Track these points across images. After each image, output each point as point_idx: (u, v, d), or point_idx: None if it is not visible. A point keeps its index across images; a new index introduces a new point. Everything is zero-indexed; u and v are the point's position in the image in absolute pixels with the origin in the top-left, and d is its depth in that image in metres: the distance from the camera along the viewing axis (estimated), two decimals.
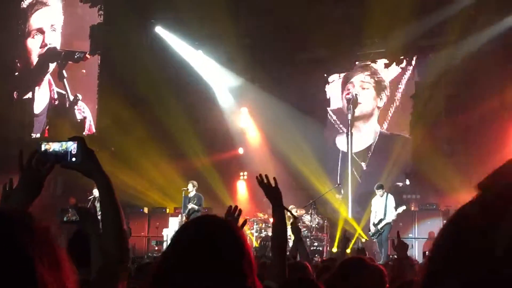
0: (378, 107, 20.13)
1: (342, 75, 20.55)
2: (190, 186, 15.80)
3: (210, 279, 1.85)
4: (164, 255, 2.05)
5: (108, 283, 2.25)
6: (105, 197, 2.41)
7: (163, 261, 1.99)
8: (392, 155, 18.79)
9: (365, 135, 20.29)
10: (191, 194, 15.77)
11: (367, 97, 20.25)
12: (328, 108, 20.81)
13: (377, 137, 20.08)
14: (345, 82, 20.57)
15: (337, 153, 20.56)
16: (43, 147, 2.50)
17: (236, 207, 3.51)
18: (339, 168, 20.35)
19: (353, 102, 19.91)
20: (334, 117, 20.79)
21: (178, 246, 2.00)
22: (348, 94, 20.20)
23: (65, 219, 3.43)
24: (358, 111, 20.06)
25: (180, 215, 15.94)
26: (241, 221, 4.16)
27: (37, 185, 2.62)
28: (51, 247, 1.21)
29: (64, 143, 2.47)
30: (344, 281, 3.13)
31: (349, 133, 19.76)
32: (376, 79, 20.12)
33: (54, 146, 2.48)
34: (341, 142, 20.61)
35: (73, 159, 2.43)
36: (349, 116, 19.78)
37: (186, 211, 15.47)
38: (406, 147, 18.98)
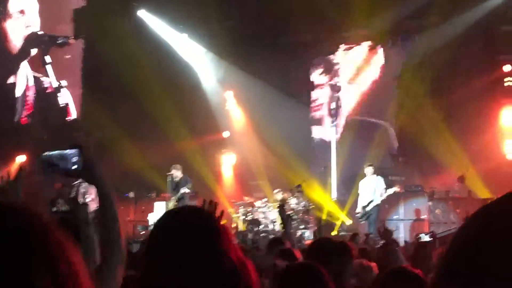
0: (362, 92, 20.15)
1: (326, 57, 20.53)
2: (174, 171, 15.62)
3: (188, 277, 1.83)
4: (144, 250, 2.06)
5: (107, 280, 2.31)
6: (106, 205, 2.46)
7: (145, 257, 1.99)
8: (376, 138, 18.89)
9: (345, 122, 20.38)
10: (178, 178, 15.60)
11: (351, 83, 20.27)
12: (312, 92, 20.81)
13: (357, 124, 20.14)
14: (329, 67, 20.54)
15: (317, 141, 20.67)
16: (46, 158, 2.51)
17: (211, 201, 3.47)
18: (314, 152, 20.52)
19: (336, 88, 19.92)
20: (316, 100, 20.83)
21: (154, 243, 2.00)
22: (331, 80, 20.17)
23: (54, 209, 3.48)
24: (341, 98, 20.11)
25: (168, 200, 15.75)
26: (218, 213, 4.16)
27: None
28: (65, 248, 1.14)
29: (65, 151, 2.48)
30: (315, 260, 3.19)
31: (334, 119, 19.82)
32: (359, 62, 20.12)
33: (55, 155, 2.49)
34: (317, 130, 20.71)
35: (75, 166, 2.44)
36: (333, 105, 19.81)
37: (178, 195, 15.29)
38: (389, 132, 19.09)
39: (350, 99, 20.21)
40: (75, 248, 1.17)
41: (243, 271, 1.90)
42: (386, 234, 5.43)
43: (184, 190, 15.24)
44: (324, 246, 3.51)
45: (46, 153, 2.53)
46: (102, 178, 2.49)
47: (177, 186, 15.49)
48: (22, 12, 22.20)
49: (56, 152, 2.50)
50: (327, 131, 20.37)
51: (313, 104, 20.82)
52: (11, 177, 3.23)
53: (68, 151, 2.47)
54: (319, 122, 20.79)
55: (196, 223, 1.97)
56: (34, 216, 1.15)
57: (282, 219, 6.48)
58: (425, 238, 10.69)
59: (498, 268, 0.99)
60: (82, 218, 3.15)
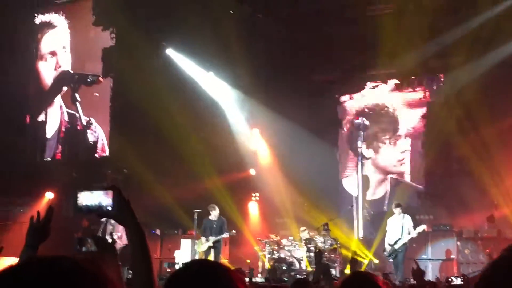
0: (387, 134, 19.99)
1: (354, 95, 20.54)
2: (213, 211, 15.85)
3: None
4: None
5: None
6: (137, 247, 2.45)
7: None
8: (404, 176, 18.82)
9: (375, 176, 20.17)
10: (215, 218, 15.81)
11: (377, 123, 20.15)
12: (340, 129, 20.81)
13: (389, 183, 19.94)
14: (355, 105, 20.51)
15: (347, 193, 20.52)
16: (80, 198, 2.54)
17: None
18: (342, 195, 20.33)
19: (362, 127, 19.84)
20: (343, 138, 20.77)
21: None
22: (357, 118, 20.08)
23: (84, 249, 3.55)
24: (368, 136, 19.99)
25: (203, 240, 15.79)
26: None
27: (44, 232, 3.28)
28: None
29: (100, 192, 2.51)
30: None
31: (359, 158, 19.73)
32: (386, 100, 20.05)
33: (90, 197, 2.52)
34: (347, 182, 20.55)
35: (109, 208, 2.48)
36: (359, 143, 19.73)
37: (218, 237, 15.47)
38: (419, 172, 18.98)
39: (377, 137, 20.13)
40: None
41: None
42: (418, 275, 5.32)
43: (226, 234, 15.49)
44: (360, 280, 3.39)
45: (81, 197, 2.54)
46: (134, 221, 2.50)
47: (212, 226, 15.65)
48: (53, 53, 22.69)
49: (89, 192, 2.53)
50: (353, 170, 20.26)
51: (340, 142, 20.78)
52: (42, 217, 3.29)
53: (102, 192, 2.50)
54: (345, 161, 20.71)
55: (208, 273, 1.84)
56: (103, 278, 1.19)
57: (317, 267, 6.55)
58: (457, 281, 10.50)
59: None
60: (108, 259, 3.14)
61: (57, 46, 22.77)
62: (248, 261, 18.13)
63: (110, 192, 2.49)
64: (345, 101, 20.78)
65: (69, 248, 13.26)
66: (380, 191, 19.83)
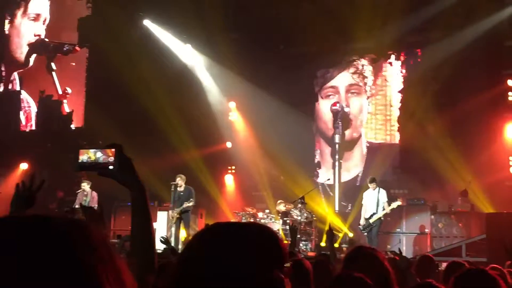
0: (369, 113, 20.02)
1: (330, 69, 20.48)
2: (180, 181, 15.52)
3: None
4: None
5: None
6: (139, 208, 2.38)
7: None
8: (381, 151, 18.95)
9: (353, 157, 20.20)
10: (181, 188, 15.54)
11: (356, 104, 20.15)
12: (316, 103, 20.82)
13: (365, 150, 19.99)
14: (332, 78, 20.47)
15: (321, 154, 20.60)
16: (81, 156, 2.44)
17: None
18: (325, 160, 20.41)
19: (341, 115, 19.82)
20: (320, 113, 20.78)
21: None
22: (335, 105, 20.04)
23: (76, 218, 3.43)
24: (346, 123, 19.98)
25: (170, 210, 15.65)
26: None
27: (31, 199, 3.26)
28: (114, 261, 1.12)
29: (101, 151, 2.42)
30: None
31: (339, 131, 19.76)
32: (363, 78, 20.06)
33: (91, 155, 2.42)
34: (321, 144, 20.61)
35: (110, 167, 2.39)
36: (338, 131, 19.70)
37: (181, 208, 15.16)
38: (394, 147, 19.12)
39: (354, 112, 20.18)
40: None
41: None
42: (404, 261, 5.28)
43: (188, 204, 15.17)
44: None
45: (82, 155, 2.44)
46: (137, 179, 2.42)
47: (179, 197, 15.43)
48: (31, 20, 22.30)
49: (91, 150, 2.43)
50: (331, 145, 20.30)
51: (316, 115, 20.80)
52: (27, 185, 3.23)
53: (104, 151, 2.41)
54: (323, 135, 20.74)
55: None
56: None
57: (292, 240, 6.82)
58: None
59: None
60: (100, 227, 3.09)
61: (34, 15, 22.41)
62: None
63: (112, 151, 2.40)
64: (322, 75, 20.77)
65: None
66: (356, 166, 19.99)
